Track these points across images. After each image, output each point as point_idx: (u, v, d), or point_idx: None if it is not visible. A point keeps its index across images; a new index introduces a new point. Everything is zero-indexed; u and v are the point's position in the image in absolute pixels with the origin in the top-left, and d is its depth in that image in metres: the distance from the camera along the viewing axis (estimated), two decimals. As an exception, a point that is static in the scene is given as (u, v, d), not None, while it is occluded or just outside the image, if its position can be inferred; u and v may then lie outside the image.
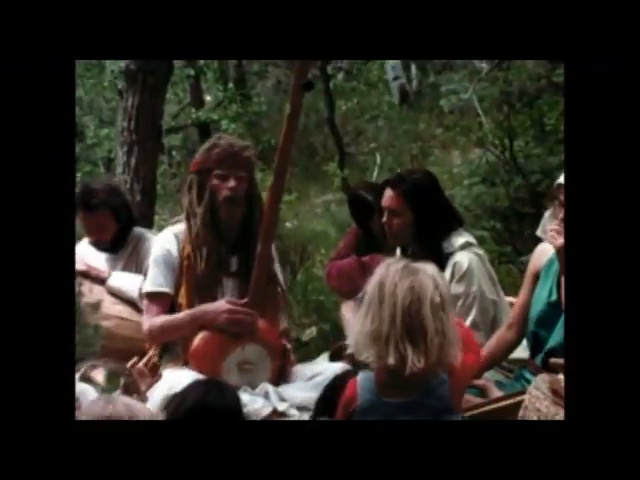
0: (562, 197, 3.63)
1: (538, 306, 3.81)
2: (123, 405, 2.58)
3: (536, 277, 3.87)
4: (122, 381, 3.62)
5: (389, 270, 2.63)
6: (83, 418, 2.60)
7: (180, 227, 4.01)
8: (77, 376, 3.52)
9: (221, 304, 3.82)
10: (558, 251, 3.57)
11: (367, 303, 2.61)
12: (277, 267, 4.15)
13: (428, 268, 2.67)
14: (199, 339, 3.80)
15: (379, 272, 2.64)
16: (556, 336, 3.69)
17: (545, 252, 3.88)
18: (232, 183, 3.88)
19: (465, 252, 4.17)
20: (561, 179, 3.77)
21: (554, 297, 3.75)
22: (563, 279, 3.73)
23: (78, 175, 8.79)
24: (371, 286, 2.62)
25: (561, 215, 3.61)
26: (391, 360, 2.54)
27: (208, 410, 3.06)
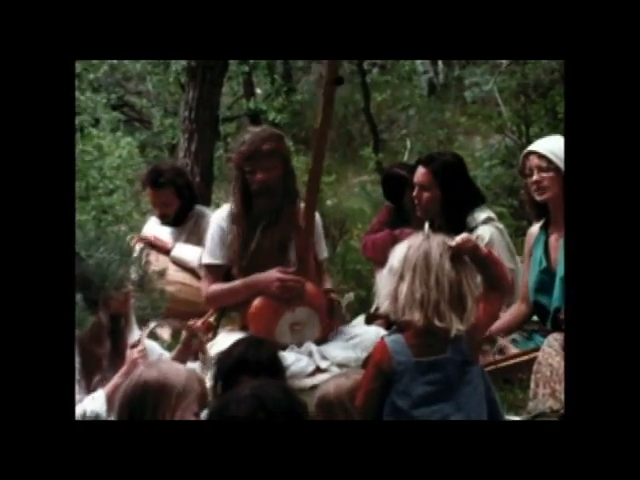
0: (530, 164, 3.82)
1: (533, 276, 3.84)
2: (158, 371, 2.59)
3: (531, 253, 3.90)
4: (182, 337, 3.67)
5: (432, 243, 2.62)
6: (132, 383, 2.58)
7: (234, 204, 4.01)
8: (145, 333, 3.54)
9: (272, 273, 3.83)
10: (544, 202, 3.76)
11: (411, 269, 2.58)
12: (321, 238, 4.16)
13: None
14: (255, 305, 3.82)
15: (421, 243, 2.61)
16: (557, 298, 3.70)
17: (533, 233, 3.95)
18: (259, 175, 3.86)
19: (487, 226, 4.18)
20: (531, 147, 3.92)
21: (544, 264, 3.80)
22: (550, 245, 3.79)
23: (145, 159, 8.84)
24: (415, 254, 2.59)
25: (533, 179, 3.79)
26: (437, 323, 2.54)
27: (249, 362, 3.07)
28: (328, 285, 4.14)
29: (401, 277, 2.59)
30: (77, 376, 3.25)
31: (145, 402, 2.46)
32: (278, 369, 3.18)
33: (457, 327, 2.55)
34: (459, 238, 2.72)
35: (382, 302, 2.67)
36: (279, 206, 3.89)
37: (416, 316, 2.55)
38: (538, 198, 3.82)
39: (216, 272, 3.96)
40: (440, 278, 2.55)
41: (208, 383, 3.16)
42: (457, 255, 2.62)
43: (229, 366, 3.08)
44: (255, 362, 3.07)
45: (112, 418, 1.93)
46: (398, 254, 2.63)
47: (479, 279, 2.70)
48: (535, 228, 3.96)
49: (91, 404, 3.12)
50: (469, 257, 2.66)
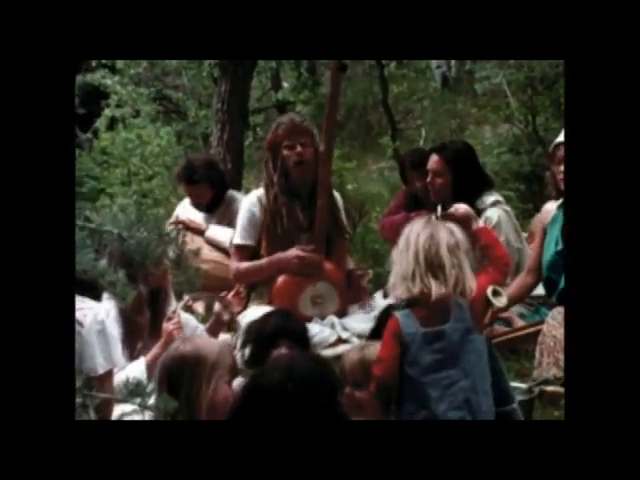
0: (559, 154, 3.66)
1: (548, 255, 3.81)
2: (193, 345, 2.60)
3: (544, 231, 3.86)
4: (215, 309, 3.70)
5: (414, 225, 2.67)
6: (170, 356, 2.59)
7: (262, 191, 4.03)
8: (179, 306, 3.57)
9: (292, 251, 3.85)
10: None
11: (398, 252, 2.65)
12: (343, 218, 4.16)
13: (448, 224, 2.68)
14: (280, 281, 3.85)
15: (407, 229, 2.68)
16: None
17: (550, 210, 3.88)
18: (299, 149, 3.90)
19: (495, 208, 4.17)
20: (560, 138, 3.76)
21: (560, 246, 3.76)
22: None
23: (182, 147, 8.85)
24: (402, 239, 2.66)
25: (562, 168, 3.61)
26: (416, 290, 2.56)
27: (284, 331, 3.09)
28: (350, 264, 4.16)
29: (394, 259, 2.66)
30: (120, 345, 3.29)
31: (182, 373, 2.49)
32: (307, 338, 3.20)
33: (438, 292, 2.55)
34: (453, 207, 2.84)
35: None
36: (313, 182, 3.91)
37: (400, 291, 2.60)
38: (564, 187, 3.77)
39: (245, 252, 3.99)
40: (416, 252, 2.59)
41: (237, 352, 3.18)
42: (447, 225, 2.65)
43: (264, 334, 3.09)
44: (290, 331, 3.09)
45: (152, 385, 1.86)
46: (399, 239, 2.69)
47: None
48: (552, 205, 3.89)
49: (132, 370, 3.14)
50: (461, 226, 2.73)
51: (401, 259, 2.62)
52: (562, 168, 3.66)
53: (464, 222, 2.79)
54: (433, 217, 2.74)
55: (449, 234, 2.62)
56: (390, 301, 3.91)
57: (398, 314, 2.63)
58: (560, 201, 3.81)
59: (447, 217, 2.78)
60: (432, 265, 2.57)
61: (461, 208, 2.86)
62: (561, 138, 3.80)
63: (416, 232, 2.63)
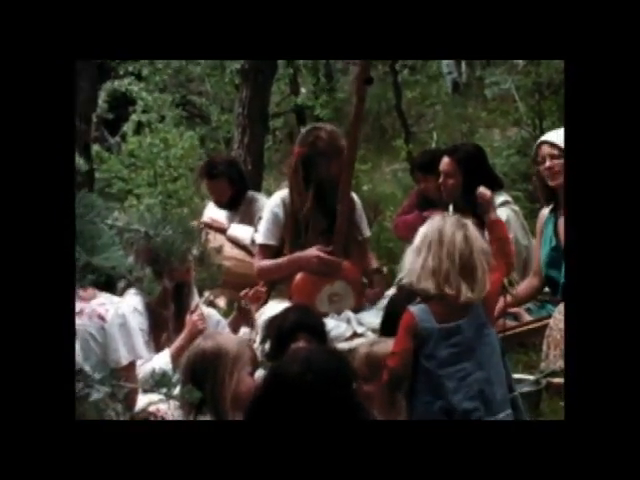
0: (542, 152, 3.78)
1: (545, 253, 3.83)
2: (213, 341, 2.61)
3: (541, 234, 3.89)
4: (236, 305, 3.71)
5: (446, 221, 2.62)
6: (193, 352, 2.59)
7: (285, 193, 4.02)
8: (202, 301, 3.58)
9: (312, 251, 3.85)
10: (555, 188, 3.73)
11: (427, 244, 2.58)
12: (362, 218, 4.15)
13: (469, 221, 2.65)
14: (298, 278, 3.85)
15: (437, 222, 2.62)
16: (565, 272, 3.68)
17: (543, 216, 3.95)
18: (334, 168, 3.84)
19: (504, 208, 4.16)
20: (543, 137, 3.89)
21: (554, 242, 3.81)
22: (559, 226, 3.77)
23: (205, 150, 8.88)
24: (431, 232, 2.60)
25: (545, 165, 3.74)
26: (448, 290, 2.53)
27: (304, 325, 3.09)
28: (373, 263, 4.14)
29: (419, 252, 2.59)
30: (146, 337, 3.30)
31: (205, 368, 2.51)
32: (325, 333, 3.20)
33: (467, 295, 2.53)
34: (480, 191, 2.90)
35: (404, 274, 2.67)
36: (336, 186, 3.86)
37: (429, 284, 2.55)
38: (551, 183, 3.79)
39: (267, 251, 4.00)
40: (451, 251, 2.54)
41: (257, 346, 3.18)
42: (473, 231, 2.61)
43: (284, 329, 3.09)
44: (308, 325, 3.09)
45: (177, 376, 1.83)
46: (419, 233, 2.64)
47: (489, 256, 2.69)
48: (545, 211, 3.96)
49: (158, 362, 3.16)
50: (481, 212, 2.82)
51: (432, 253, 2.55)
52: (547, 164, 3.75)
53: (486, 207, 2.86)
54: (457, 215, 2.71)
55: (480, 238, 2.60)
56: (392, 292, 3.91)
57: (414, 309, 2.61)
58: (551, 207, 3.86)
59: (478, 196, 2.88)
60: (465, 267, 2.54)
61: (488, 193, 2.90)
62: (544, 137, 3.92)
63: (451, 230, 2.58)
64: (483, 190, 2.91)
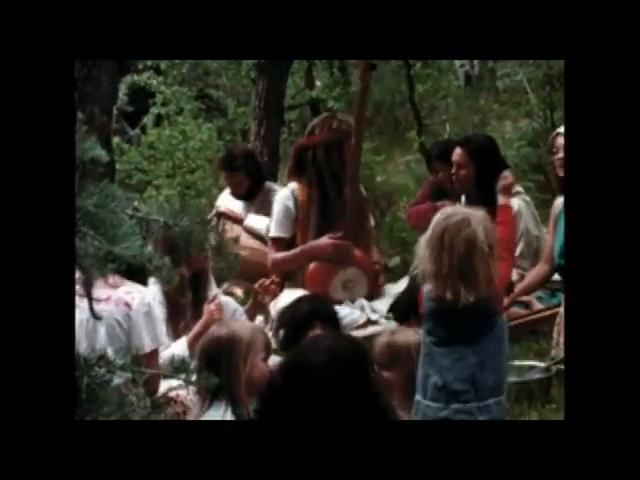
0: (558, 142, 3.76)
1: (558, 243, 3.80)
2: (227, 328, 2.63)
3: (555, 223, 3.86)
4: (252, 294, 3.71)
5: (450, 221, 2.54)
6: (207, 339, 2.61)
7: (295, 185, 4.02)
8: (220, 291, 3.60)
9: (324, 239, 3.86)
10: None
11: (431, 246, 2.54)
12: (367, 210, 4.15)
13: (479, 215, 2.56)
14: (312, 267, 3.86)
15: (442, 221, 2.56)
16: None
17: (558, 205, 3.88)
18: (348, 153, 3.83)
19: (515, 198, 4.13)
20: (560, 129, 3.82)
21: None
22: None
23: (222, 142, 8.88)
24: (436, 233, 2.55)
25: (559, 156, 3.72)
26: (448, 295, 2.51)
27: (319, 313, 3.09)
28: (374, 255, 4.14)
29: (424, 250, 2.57)
30: (165, 326, 3.32)
31: (220, 355, 2.52)
32: (338, 320, 3.21)
33: (466, 298, 2.49)
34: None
35: (415, 265, 2.68)
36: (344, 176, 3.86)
37: (430, 284, 2.55)
38: (563, 174, 3.77)
39: (280, 243, 4.00)
40: (451, 256, 2.49)
41: (270, 333, 3.19)
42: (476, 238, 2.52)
43: (298, 318, 3.09)
44: (321, 313, 3.09)
45: (194, 363, 1.82)
46: (429, 229, 2.60)
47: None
48: (560, 200, 3.91)
49: (176, 349, 3.18)
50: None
51: (434, 256, 2.52)
52: (560, 155, 3.71)
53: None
54: (467, 212, 2.62)
55: (484, 236, 2.51)
56: (404, 284, 3.91)
57: (424, 290, 2.62)
58: None
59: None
60: (465, 272, 2.49)
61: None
62: (560, 129, 3.88)
63: (452, 234, 2.51)
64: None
